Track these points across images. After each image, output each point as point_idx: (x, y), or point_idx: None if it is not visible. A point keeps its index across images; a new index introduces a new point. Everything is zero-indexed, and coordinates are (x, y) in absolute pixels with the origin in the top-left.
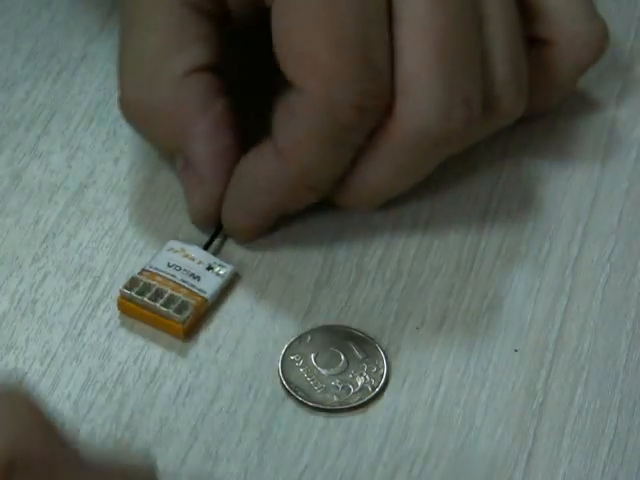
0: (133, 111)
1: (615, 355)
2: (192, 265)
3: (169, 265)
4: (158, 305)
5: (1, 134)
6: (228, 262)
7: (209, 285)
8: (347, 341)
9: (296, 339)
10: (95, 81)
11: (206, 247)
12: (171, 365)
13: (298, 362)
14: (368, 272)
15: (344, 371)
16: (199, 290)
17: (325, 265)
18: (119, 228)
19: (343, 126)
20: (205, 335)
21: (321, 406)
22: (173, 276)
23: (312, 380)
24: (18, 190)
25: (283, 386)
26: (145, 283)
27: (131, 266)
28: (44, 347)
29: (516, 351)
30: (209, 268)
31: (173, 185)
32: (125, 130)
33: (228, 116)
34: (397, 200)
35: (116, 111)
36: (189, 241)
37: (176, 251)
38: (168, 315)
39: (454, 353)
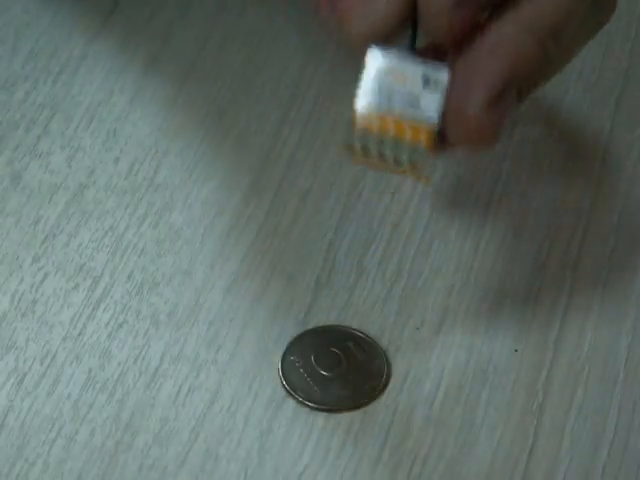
0: None
1: (615, 355)
2: (405, 85)
3: (381, 94)
4: (389, 162)
5: (1, 134)
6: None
7: (431, 107)
8: (347, 341)
9: (296, 339)
10: (95, 81)
11: (411, 44)
12: (171, 365)
13: (298, 362)
14: (368, 272)
15: (344, 371)
16: (424, 118)
17: (325, 265)
18: (119, 228)
19: None
20: (205, 335)
21: (321, 406)
22: (391, 109)
23: (312, 380)
24: (18, 190)
25: (283, 386)
26: (367, 136)
27: (131, 266)
28: (44, 347)
29: (516, 351)
30: (425, 82)
31: (173, 184)
32: (125, 130)
33: None
34: (397, 200)
35: (116, 111)
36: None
37: (381, 69)
38: (404, 168)
39: (454, 353)
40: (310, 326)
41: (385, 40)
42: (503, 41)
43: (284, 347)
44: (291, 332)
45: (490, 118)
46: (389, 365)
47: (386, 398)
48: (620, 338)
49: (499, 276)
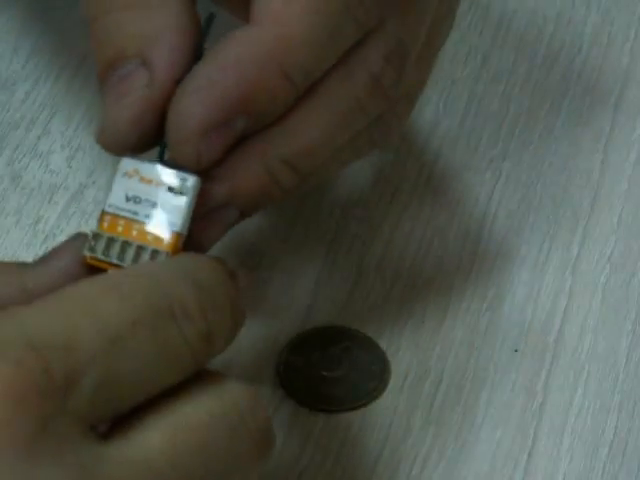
0: (100, 8)
1: (615, 355)
2: (151, 191)
3: (128, 199)
4: (127, 264)
5: (1, 134)
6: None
7: (175, 213)
8: (347, 341)
9: (296, 339)
10: (95, 81)
11: (161, 158)
12: None
13: (298, 362)
14: (368, 272)
15: (344, 371)
16: (167, 224)
17: (325, 265)
18: None
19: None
20: None
21: (321, 406)
22: (135, 214)
23: (312, 380)
24: (18, 190)
25: (283, 386)
26: (109, 238)
27: None
28: None
29: (516, 351)
30: (170, 189)
31: None
32: None
33: (200, 46)
34: (397, 200)
35: None
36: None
37: (131, 175)
38: None
39: (454, 353)
40: (310, 326)
41: (132, 151)
42: (246, 56)
43: (284, 347)
44: (291, 332)
45: (206, 145)
46: (389, 365)
47: (386, 398)
48: (620, 338)
49: (499, 276)
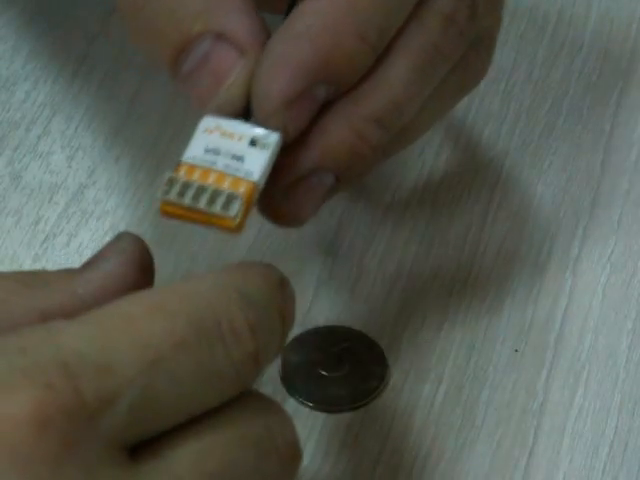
0: None
1: (615, 355)
2: (232, 145)
3: (207, 150)
4: (202, 206)
5: (1, 134)
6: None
7: (255, 164)
8: (347, 341)
9: (296, 339)
10: (95, 81)
11: (245, 116)
12: None
13: (298, 362)
14: (368, 272)
15: (344, 371)
16: (245, 174)
17: (325, 265)
18: (119, 228)
19: None
20: None
21: (321, 406)
22: (213, 163)
23: (312, 380)
24: (18, 190)
25: (283, 386)
26: (184, 182)
27: None
28: None
29: (516, 351)
30: (252, 143)
31: None
32: (125, 130)
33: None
34: (397, 200)
35: (116, 111)
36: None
37: (211, 131)
38: (215, 215)
39: (454, 353)
40: (310, 326)
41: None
42: (318, 25)
43: (284, 347)
44: (291, 332)
45: (291, 116)
46: (389, 365)
47: (386, 398)
48: (620, 338)
49: (499, 276)
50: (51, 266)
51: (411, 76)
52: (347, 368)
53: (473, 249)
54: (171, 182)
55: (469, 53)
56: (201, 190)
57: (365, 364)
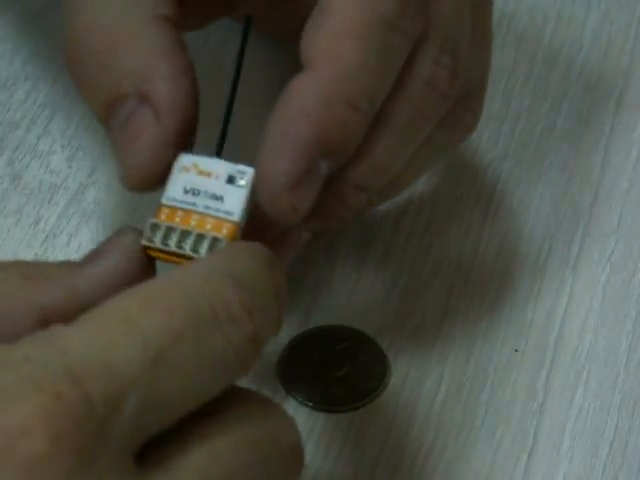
0: (91, 40)
1: (615, 355)
2: (210, 183)
3: (186, 191)
4: (187, 251)
5: (1, 134)
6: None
7: (235, 203)
8: (347, 341)
9: (296, 339)
10: None
11: (218, 153)
12: None
13: (298, 362)
14: (368, 272)
15: (344, 371)
16: (226, 214)
17: (325, 265)
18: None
19: (384, 19)
20: None
21: (321, 406)
22: (193, 205)
23: (312, 380)
24: (18, 190)
25: (283, 386)
26: (167, 227)
27: None
28: None
29: (516, 351)
30: (229, 181)
31: None
32: None
33: (192, 69)
34: (398, 200)
35: None
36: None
37: (188, 169)
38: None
39: (454, 353)
40: (310, 326)
41: (158, 185)
42: (312, 102)
43: (284, 347)
44: (291, 332)
45: (297, 196)
46: (389, 365)
47: (386, 398)
48: (620, 338)
49: (499, 276)
50: None
51: (394, 142)
52: (347, 368)
53: (473, 248)
54: (154, 228)
55: (456, 109)
56: (185, 235)
57: (365, 364)
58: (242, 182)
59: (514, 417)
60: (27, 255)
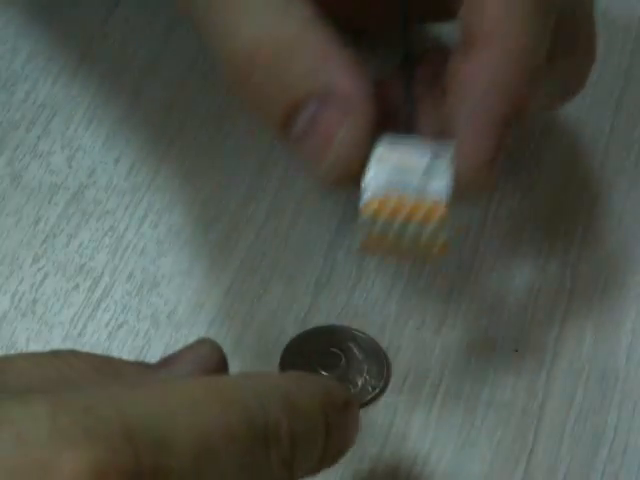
0: (256, 52)
1: (615, 355)
2: (412, 170)
3: (390, 181)
4: (406, 242)
5: (1, 134)
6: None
7: (441, 186)
8: (347, 341)
9: (296, 339)
10: (95, 81)
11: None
12: None
13: (298, 362)
14: (368, 272)
15: (344, 371)
16: (435, 198)
17: (325, 265)
18: (119, 228)
19: None
20: (205, 335)
21: None
22: (402, 192)
23: None
24: (18, 190)
25: None
26: (385, 220)
27: (131, 266)
28: (44, 347)
29: (516, 351)
30: (430, 164)
31: (173, 185)
32: (125, 130)
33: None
34: None
35: (116, 111)
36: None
37: (387, 159)
38: (420, 247)
39: (454, 353)
40: (310, 326)
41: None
42: (497, 86)
43: (284, 347)
44: (291, 332)
45: (497, 167)
46: (389, 365)
47: (386, 398)
48: (620, 338)
49: (499, 276)
50: (51, 266)
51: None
52: (347, 368)
53: (473, 248)
54: (370, 221)
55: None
56: (402, 227)
57: (365, 364)
58: (444, 162)
59: (514, 417)
60: (27, 255)
